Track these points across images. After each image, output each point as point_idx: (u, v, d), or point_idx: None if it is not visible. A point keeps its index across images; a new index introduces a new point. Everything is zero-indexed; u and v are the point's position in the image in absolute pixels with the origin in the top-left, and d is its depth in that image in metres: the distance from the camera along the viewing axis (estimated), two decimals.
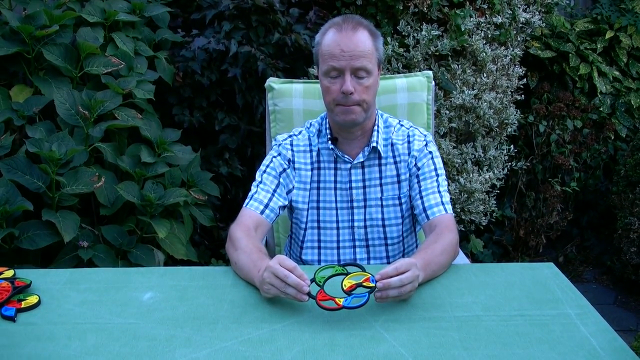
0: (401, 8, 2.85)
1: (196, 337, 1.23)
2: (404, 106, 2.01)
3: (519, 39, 3.05)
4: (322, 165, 1.74)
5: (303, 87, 2.04)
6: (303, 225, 1.77)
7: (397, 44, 2.80)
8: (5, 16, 2.22)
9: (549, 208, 3.28)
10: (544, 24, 3.35)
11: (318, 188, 1.74)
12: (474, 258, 3.12)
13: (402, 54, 2.82)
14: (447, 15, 2.86)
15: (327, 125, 1.73)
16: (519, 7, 2.96)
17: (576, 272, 3.30)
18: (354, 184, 1.72)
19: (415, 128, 1.76)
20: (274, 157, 1.74)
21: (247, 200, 1.68)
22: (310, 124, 1.78)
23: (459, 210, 2.93)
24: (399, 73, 2.72)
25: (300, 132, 1.77)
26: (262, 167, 1.73)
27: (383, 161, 1.72)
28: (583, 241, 3.52)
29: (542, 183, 3.35)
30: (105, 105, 2.17)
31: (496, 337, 1.21)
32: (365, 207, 1.74)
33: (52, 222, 1.92)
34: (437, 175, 1.70)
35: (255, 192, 1.68)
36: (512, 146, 3.09)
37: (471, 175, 2.90)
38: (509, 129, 3.06)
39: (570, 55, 3.33)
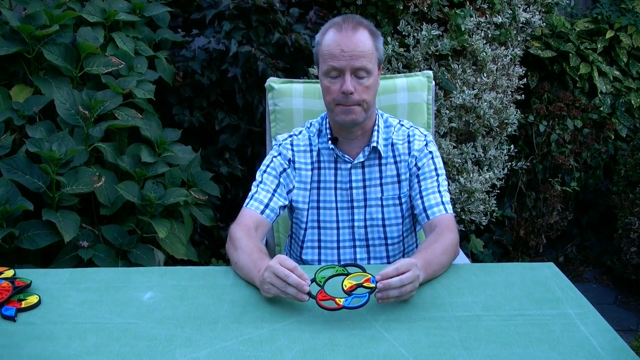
0: (401, 8, 2.84)
1: (196, 336, 1.23)
2: (404, 106, 2.01)
3: (519, 38, 3.05)
4: (322, 165, 1.74)
5: (303, 87, 2.04)
6: (303, 225, 1.77)
7: (397, 43, 2.80)
8: (5, 16, 2.22)
9: (549, 208, 3.28)
10: (544, 24, 3.35)
11: (318, 188, 1.74)
12: (474, 258, 3.12)
13: (402, 54, 2.82)
14: (447, 15, 2.86)
15: (327, 125, 1.73)
16: (519, 7, 2.96)
17: (576, 272, 3.30)
18: (354, 184, 1.72)
19: (416, 128, 1.76)
20: (274, 157, 1.74)
21: (247, 200, 1.68)
22: (311, 124, 1.78)
23: (459, 210, 2.93)
24: (399, 73, 2.72)
25: (300, 132, 1.77)
26: (263, 167, 1.73)
27: (383, 161, 1.72)
28: (583, 241, 3.52)
29: (543, 183, 3.36)
30: (106, 105, 2.17)
31: (496, 336, 1.21)
32: (365, 207, 1.74)
33: (52, 222, 1.92)
34: (437, 175, 1.70)
35: (256, 192, 1.68)
36: (512, 146, 3.09)
37: (471, 175, 2.90)
38: (509, 129, 3.06)
39: (570, 55, 3.33)
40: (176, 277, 1.50)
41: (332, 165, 1.73)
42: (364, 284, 1.29)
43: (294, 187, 1.74)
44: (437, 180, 1.69)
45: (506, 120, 3.00)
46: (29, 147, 1.97)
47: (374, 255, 1.77)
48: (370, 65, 1.58)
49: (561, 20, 3.48)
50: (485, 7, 2.90)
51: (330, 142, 1.70)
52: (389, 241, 1.76)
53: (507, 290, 1.41)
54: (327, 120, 1.73)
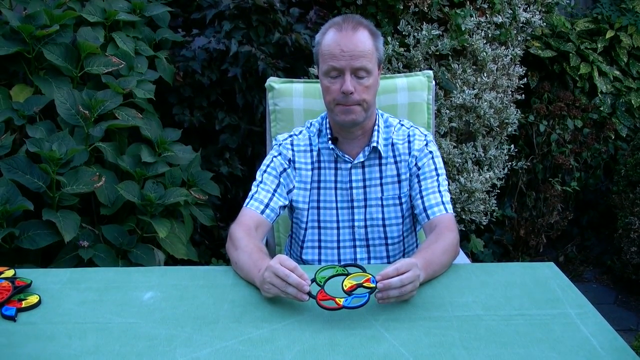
0: (401, 8, 2.84)
1: (196, 336, 1.23)
2: (405, 106, 2.01)
3: (519, 38, 3.05)
4: (322, 165, 1.74)
5: (303, 86, 2.04)
6: (303, 225, 1.77)
7: (397, 43, 2.79)
8: (5, 16, 2.22)
9: (549, 208, 3.28)
10: (545, 24, 3.35)
11: (318, 188, 1.74)
12: (475, 258, 3.12)
13: (402, 54, 2.82)
14: (448, 15, 2.86)
15: (328, 125, 1.72)
16: (520, 7, 2.96)
17: (576, 272, 3.29)
18: (354, 184, 1.72)
19: (416, 128, 1.76)
20: (275, 156, 1.74)
21: (247, 200, 1.68)
22: (311, 124, 1.78)
23: (459, 209, 2.93)
24: (399, 73, 2.73)
25: (300, 132, 1.77)
26: (263, 167, 1.73)
27: (383, 161, 1.72)
28: (583, 241, 3.52)
29: (543, 183, 3.35)
30: (106, 105, 2.17)
31: (496, 336, 1.21)
32: (365, 206, 1.73)
33: (52, 221, 1.92)
34: (438, 175, 1.70)
35: (256, 192, 1.68)
36: (512, 146, 3.09)
37: (471, 175, 2.90)
38: (510, 129, 3.06)
39: (570, 54, 3.33)
40: (176, 277, 1.50)
41: (332, 165, 1.73)
42: (364, 284, 1.29)
43: (294, 187, 1.74)
44: (437, 180, 1.69)
45: (506, 120, 3.00)
46: (29, 147, 1.97)
47: (374, 255, 1.77)
48: (370, 65, 1.58)
49: (561, 20, 3.48)
50: (486, 6, 2.90)
51: (330, 142, 1.70)
52: (389, 241, 1.76)
53: (507, 290, 1.41)
54: (327, 120, 1.73)
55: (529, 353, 1.16)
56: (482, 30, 2.89)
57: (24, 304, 1.34)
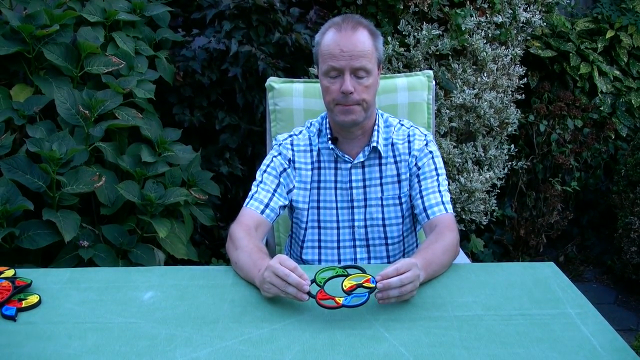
0: (402, 7, 2.84)
1: (196, 336, 1.23)
2: (405, 106, 2.01)
3: (519, 38, 3.05)
4: (322, 165, 1.74)
5: (303, 86, 2.04)
6: (303, 225, 1.77)
7: (397, 43, 2.80)
8: (5, 16, 2.22)
9: (549, 207, 3.28)
10: (545, 24, 3.35)
11: (318, 188, 1.74)
12: (475, 257, 3.12)
13: (402, 54, 2.82)
14: (448, 15, 2.86)
15: (328, 125, 1.72)
16: (520, 7, 2.96)
17: (577, 272, 3.29)
18: (354, 184, 1.72)
19: (416, 127, 1.76)
20: (275, 156, 1.74)
21: (247, 200, 1.68)
22: (311, 124, 1.78)
23: (459, 209, 2.93)
24: (399, 72, 2.73)
25: (300, 132, 1.77)
26: (263, 167, 1.73)
27: (383, 161, 1.72)
28: (583, 241, 3.52)
29: (543, 182, 3.35)
30: (106, 104, 2.17)
31: (497, 336, 1.21)
32: (365, 206, 1.73)
33: (52, 221, 1.92)
34: (438, 174, 1.70)
35: (256, 192, 1.68)
36: (512, 146, 3.09)
37: (472, 175, 2.90)
38: (510, 129, 3.06)
39: (570, 54, 3.33)
40: (176, 277, 1.50)
41: (332, 165, 1.73)
42: (364, 284, 1.29)
43: (294, 187, 1.74)
44: (437, 180, 1.69)
45: (506, 120, 3.00)
46: (30, 146, 1.97)
47: (374, 255, 1.77)
48: (370, 65, 1.58)
49: (561, 20, 3.48)
50: (486, 6, 2.90)
51: (330, 142, 1.70)
52: (389, 241, 1.76)
53: (507, 290, 1.41)
54: (327, 120, 1.73)
55: (529, 353, 1.16)
56: (482, 30, 2.89)
57: (24, 304, 1.34)
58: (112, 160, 2.15)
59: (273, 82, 2.05)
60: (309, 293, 1.27)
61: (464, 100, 2.84)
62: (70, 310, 1.34)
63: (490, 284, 1.44)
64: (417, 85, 2.03)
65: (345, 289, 1.29)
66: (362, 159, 1.70)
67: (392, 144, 1.73)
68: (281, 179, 1.71)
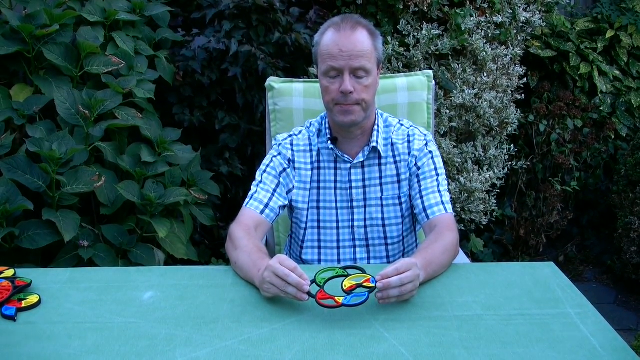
0: (401, 7, 2.84)
1: (196, 336, 1.23)
2: (404, 105, 2.01)
3: (519, 38, 3.05)
4: (322, 165, 1.74)
5: (303, 86, 2.04)
6: (303, 225, 1.77)
7: (397, 43, 2.79)
8: (5, 15, 2.22)
9: (549, 207, 3.28)
10: (545, 24, 3.35)
11: (318, 188, 1.74)
12: (474, 257, 3.12)
13: (402, 54, 2.82)
14: (448, 15, 2.86)
15: (327, 125, 1.72)
16: (520, 7, 2.96)
17: (576, 272, 3.30)
18: (354, 184, 1.72)
19: (416, 127, 1.76)
20: (274, 156, 1.74)
21: (247, 200, 1.68)
22: (310, 124, 1.78)
23: (459, 209, 2.93)
24: (399, 72, 2.72)
25: (300, 132, 1.77)
26: (262, 167, 1.73)
27: (383, 161, 1.72)
28: (583, 240, 3.52)
29: (543, 182, 3.35)
30: (106, 104, 2.17)
31: (496, 336, 1.21)
32: (365, 206, 1.73)
33: (52, 221, 1.92)
34: (437, 174, 1.70)
35: (255, 192, 1.68)
36: (512, 145, 3.09)
37: (471, 175, 2.90)
38: (509, 129, 3.06)
39: (570, 54, 3.33)
40: (176, 277, 1.50)
41: (332, 165, 1.73)
42: (364, 284, 1.29)
43: (293, 187, 1.74)
44: (437, 180, 1.69)
45: (506, 120, 3.00)
46: (29, 146, 1.97)
47: (374, 255, 1.77)
48: (369, 65, 1.58)
49: (561, 20, 3.48)
50: (486, 6, 2.90)
51: (329, 142, 1.70)
52: (389, 241, 1.76)
53: (507, 290, 1.41)
54: (327, 120, 1.73)
55: (529, 353, 1.16)
56: (482, 30, 2.89)
57: (24, 303, 1.34)
58: (112, 160, 2.15)
59: (273, 82, 2.05)
60: (308, 293, 1.27)
61: (463, 100, 2.84)
62: (70, 310, 1.34)
63: (490, 284, 1.44)
64: (417, 85, 2.03)
65: (345, 288, 1.29)
66: (361, 159, 1.70)
67: (392, 144, 1.73)
68: (281, 179, 1.71)
